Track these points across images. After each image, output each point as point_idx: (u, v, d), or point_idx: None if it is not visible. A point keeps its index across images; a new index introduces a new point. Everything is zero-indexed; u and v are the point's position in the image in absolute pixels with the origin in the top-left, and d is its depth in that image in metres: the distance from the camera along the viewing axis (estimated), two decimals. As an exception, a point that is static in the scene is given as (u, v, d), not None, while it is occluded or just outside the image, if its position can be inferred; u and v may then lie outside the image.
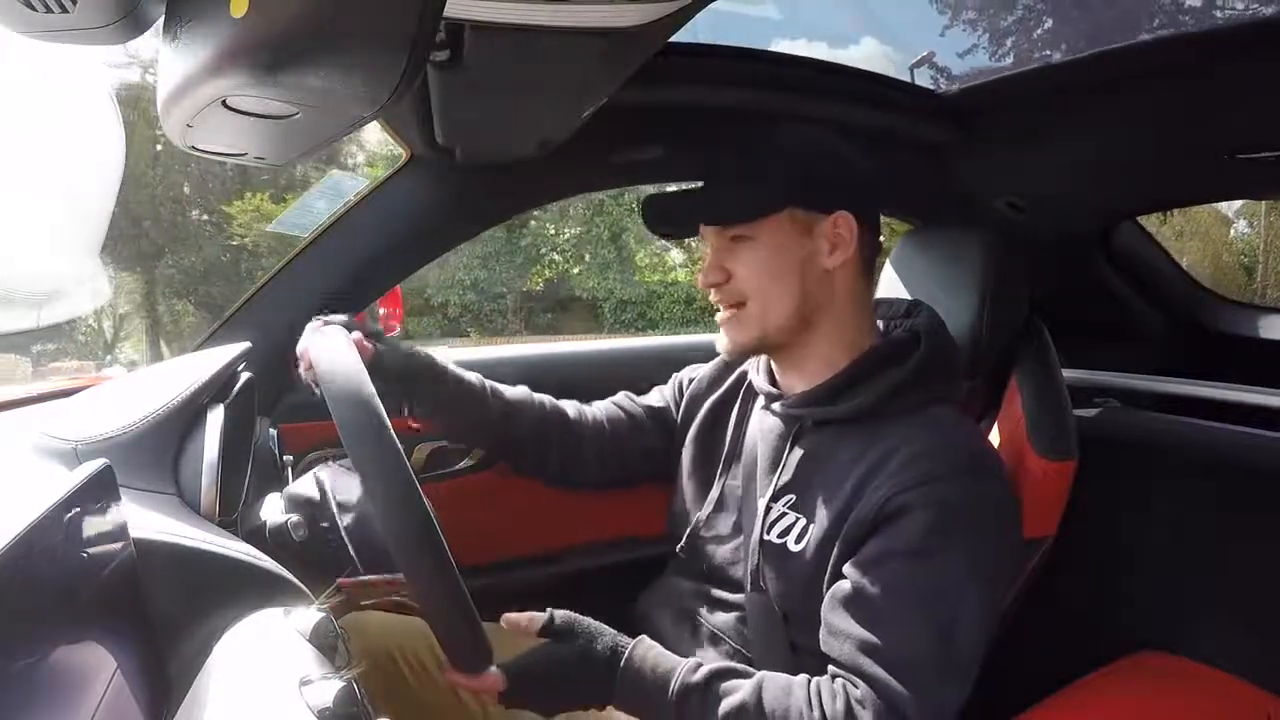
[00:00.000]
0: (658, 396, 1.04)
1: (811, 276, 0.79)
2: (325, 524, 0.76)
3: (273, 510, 0.76)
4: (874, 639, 0.67)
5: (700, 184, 0.85)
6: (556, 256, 10.89)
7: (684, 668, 0.70)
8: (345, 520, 0.76)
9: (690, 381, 1.01)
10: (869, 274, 0.83)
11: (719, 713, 0.68)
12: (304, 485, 0.79)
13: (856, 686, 0.67)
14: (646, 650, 0.71)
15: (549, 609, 0.72)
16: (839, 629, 0.70)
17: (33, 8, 0.46)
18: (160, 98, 0.52)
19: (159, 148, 9.40)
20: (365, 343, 0.82)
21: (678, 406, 1.01)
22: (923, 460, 0.71)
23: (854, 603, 0.69)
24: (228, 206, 10.04)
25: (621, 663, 0.70)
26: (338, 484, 0.78)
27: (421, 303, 10.36)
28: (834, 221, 0.78)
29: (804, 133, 0.82)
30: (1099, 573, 1.06)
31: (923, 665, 0.66)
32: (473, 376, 0.93)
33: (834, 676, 0.69)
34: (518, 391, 0.97)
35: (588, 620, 0.72)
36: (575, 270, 10.77)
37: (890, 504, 0.70)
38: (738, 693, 0.68)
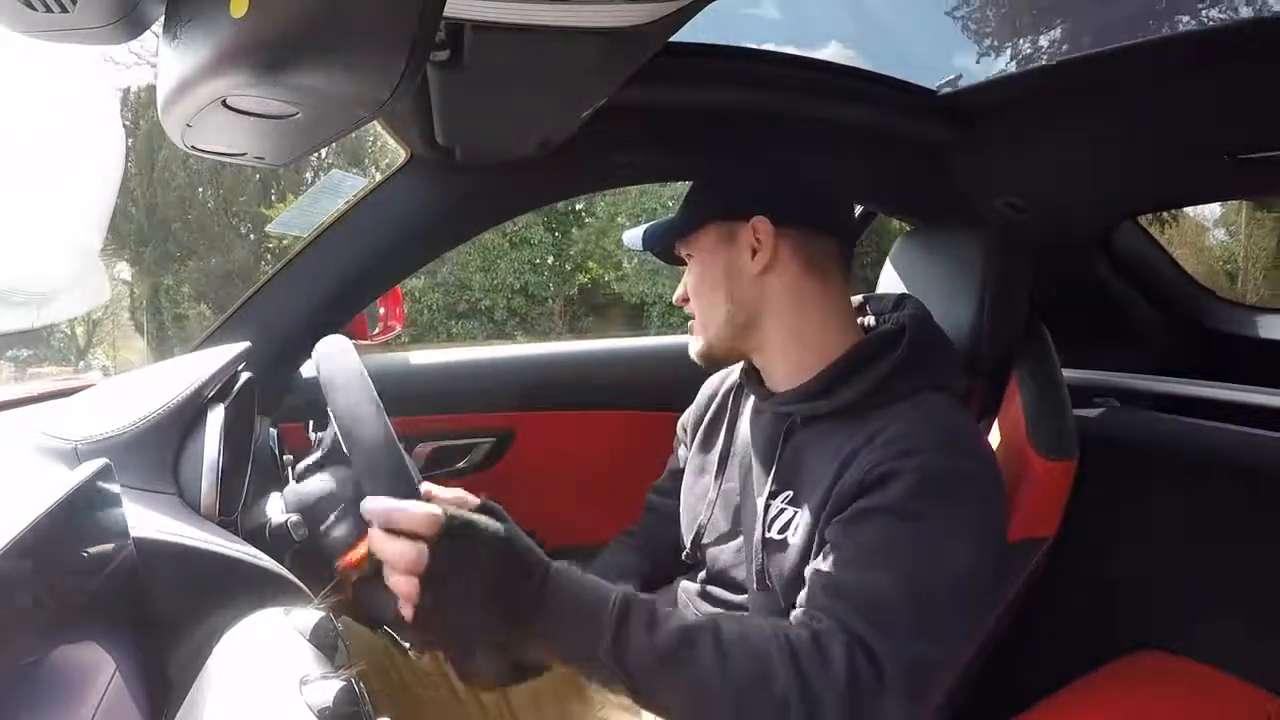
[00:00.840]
0: (673, 460, 1.04)
1: (740, 284, 0.81)
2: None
3: (273, 510, 0.76)
4: (845, 582, 0.65)
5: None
6: (593, 264, 10.82)
7: (623, 588, 0.63)
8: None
9: (689, 417, 1.01)
10: (819, 273, 0.81)
11: (668, 630, 0.61)
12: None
13: (822, 622, 0.64)
14: (574, 570, 0.63)
15: (482, 498, 0.64)
16: (813, 581, 0.68)
17: (33, 7, 0.46)
18: (160, 97, 0.52)
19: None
20: None
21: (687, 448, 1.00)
22: (909, 435, 0.71)
23: (830, 554, 0.68)
24: (269, 210, 9.94)
25: (551, 569, 0.61)
26: None
27: (468, 306, 10.27)
28: (753, 227, 0.79)
29: (732, 145, 0.84)
30: (1099, 573, 1.06)
31: (895, 612, 0.63)
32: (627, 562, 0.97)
33: (803, 615, 0.67)
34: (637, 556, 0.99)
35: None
36: (622, 275, 10.69)
37: (873, 472, 0.69)
38: (689, 619, 0.63)
